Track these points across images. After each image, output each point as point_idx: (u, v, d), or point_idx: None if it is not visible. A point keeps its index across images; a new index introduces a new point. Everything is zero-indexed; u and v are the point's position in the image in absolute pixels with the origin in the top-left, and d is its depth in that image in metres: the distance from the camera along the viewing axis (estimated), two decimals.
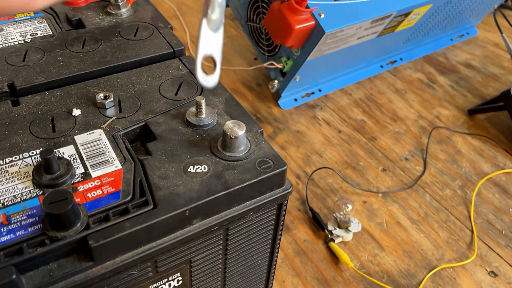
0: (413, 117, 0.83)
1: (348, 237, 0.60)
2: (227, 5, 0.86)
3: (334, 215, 0.62)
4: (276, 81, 0.80)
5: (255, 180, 0.35)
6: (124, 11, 0.52)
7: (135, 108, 0.40)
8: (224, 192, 0.34)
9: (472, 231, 0.64)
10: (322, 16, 0.65)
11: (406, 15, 0.75)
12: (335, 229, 0.61)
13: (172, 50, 0.47)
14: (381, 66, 0.93)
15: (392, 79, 0.92)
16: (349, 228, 0.60)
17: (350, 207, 0.60)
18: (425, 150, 0.76)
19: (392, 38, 0.83)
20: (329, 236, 0.60)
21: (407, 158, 0.75)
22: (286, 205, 0.39)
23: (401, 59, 0.95)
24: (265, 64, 0.77)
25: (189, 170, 0.35)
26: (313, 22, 0.65)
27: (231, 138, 0.35)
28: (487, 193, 0.70)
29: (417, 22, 0.82)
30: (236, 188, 0.34)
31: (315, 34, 0.66)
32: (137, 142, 0.40)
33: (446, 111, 0.85)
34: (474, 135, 0.79)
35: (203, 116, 0.39)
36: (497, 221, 0.66)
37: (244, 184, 0.34)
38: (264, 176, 0.35)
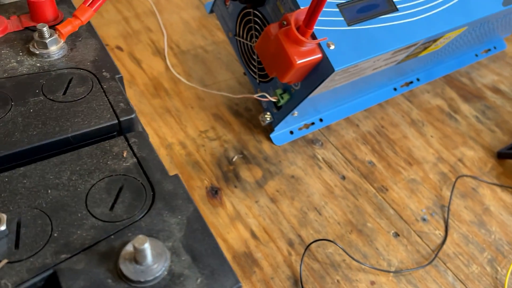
0: (432, 159, 0.69)
1: None
2: (211, 11, 0.70)
3: None
4: (268, 114, 0.65)
5: None
6: (55, 50, 0.36)
7: (42, 240, 0.26)
8: None
9: None
10: (332, 47, 0.50)
11: (435, 40, 0.60)
12: None
13: (117, 121, 0.32)
14: (395, 89, 0.78)
15: (407, 106, 0.77)
16: None
17: None
18: (446, 208, 0.62)
19: (412, 62, 0.68)
20: None
21: (424, 218, 0.61)
22: None
23: (418, 79, 0.80)
24: (255, 96, 0.61)
25: None
26: (319, 56, 0.50)
27: None
28: None
29: (445, 45, 0.66)
30: None
31: (322, 70, 0.51)
32: None
33: (471, 151, 0.71)
34: (505, 188, 0.66)
35: (147, 263, 0.24)
36: None
37: None
38: None
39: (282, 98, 0.59)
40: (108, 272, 0.25)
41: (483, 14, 0.60)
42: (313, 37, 0.50)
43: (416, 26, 0.55)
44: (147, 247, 0.23)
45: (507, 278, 0.55)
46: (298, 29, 0.48)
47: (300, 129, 0.70)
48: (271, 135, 0.68)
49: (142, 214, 0.27)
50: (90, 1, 0.37)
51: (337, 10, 0.52)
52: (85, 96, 0.33)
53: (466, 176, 0.67)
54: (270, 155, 0.67)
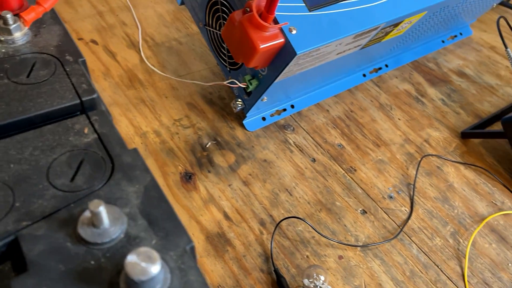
0: (399, 140, 0.71)
1: None
2: (182, 3, 0.71)
3: (304, 281, 0.51)
4: (240, 100, 0.67)
5: None
6: (19, 37, 0.38)
7: (4, 209, 0.27)
8: None
9: None
10: (294, 32, 0.52)
11: (396, 25, 0.62)
12: None
13: (79, 101, 0.34)
14: (364, 75, 0.80)
15: (376, 91, 0.79)
16: None
17: (322, 278, 0.49)
18: (412, 186, 0.65)
19: (378, 47, 0.70)
20: None
21: (391, 196, 0.64)
22: None
23: (386, 66, 0.83)
24: (225, 83, 0.63)
25: None
26: (282, 40, 0.52)
27: (136, 282, 0.23)
28: (483, 242, 0.60)
29: (407, 30, 0.69)
30: None
31: (285, 54, 0.53)
32: (6, 264, 0.27)
33: (436, 132, 0.73)
34: (468, 165, 0.69)
35: (104, 226, 0.26)
36: (494, 281, 0.56)
37: None
38: None
39: (251, 84, 0.61)
40: (67, 236, 0.26)
41: None
42: (276, 22, 0.52)
43: (375, 11, 0.58)
44: (102, 210, 0.25)
45: (468, 248, 0.58)
46: (260, 15, 0.50)
47: (272, 115, 0.72)
48: (244, 122, 0.70)
49: (101, 184, 0.29)
50: None
51: None
52: (48, 79, 0.35)
53: (431, 155, 0.70)
54: (243, 140, 0.69)
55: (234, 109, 0.67)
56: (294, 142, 0.69)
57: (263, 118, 0.71)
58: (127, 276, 0.23)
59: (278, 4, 0.50)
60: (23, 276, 0.24)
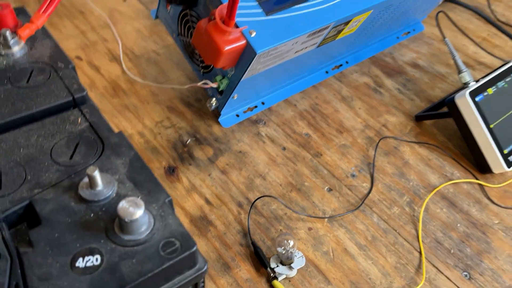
0: (360, 127, 0.80)
1: (292, 273, 0.57)
2: (156, 17, 0.79)
3: (277, 250, 0.58)
4: (214, 99, 0.74)
5: (158, 270, 0.30)
6: (17, 50, 0.45)
7: (18, 182, 0.34)
8: None
9: (420, 253, 0.62)
10: (253, 34, 0.60)
11: (346, 23, 0.71)
12: (277, 266, 0.57)
13: (72, 98, 0.41)
14: (326, 72, 0.89)
15: (338, 85, 0.88)
16: (292, 265, 0.57)
17: (291, 243, 0.56)
18: (372, 164, 0.73)
19: (335, 45, 0.79)
20: (272, 274, 0.56)
21: (354, 174, 0.72)
22: (203, 282, 0.35)
23: (347, 62, 0.91)
24: (198, 84, 0.71)
25: (77, 264, 0.30)
26: (243, 42, 0.60)
27: (126, 222, 0.30)
28: (435, 208, 0.68)
29: (359, 28, 0.77)
30: (134, 283, 0.29)
31: (247, 54, 0.61)
32: (23, 224, 0.34)
33: (393, 118, 0.82)
34: (422, 144, 0.77)
35: (99, 188, 0.33)
36: (445, 239, 0.64)
37: (144, 278, 0.30)
38: (169, 264, 0.30)
39: (221, 83, 0.69)
40: (71, 198, 0.33)
41: None
42: (237, 27, 0.60)
43: (325, 12, 0.66)
44: (96, 173, 0.32)
45: (421, 213, 0.66)
46: (223, 21, 0.58)
47: (245, 112, 0.80)
48: (219, 119, 0.78)
49: (95, 159, 0.36)
50: (43, 9, 0.46)
51: (257, 4, 0.62)
52: (45, 82, 0.42)
53: (389, 137, 0.78)
54: (219, 136, 0.76)
55: (209, 107, 0.75)
56: (266, 134, 0.77)
57: (237, 115, 0.79)
58: (119, 219, 0.30)
59: (240, 11, 0.59)
60: (38, 228, 0.32)
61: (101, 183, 0.33)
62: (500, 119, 0.71)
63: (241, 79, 0.66)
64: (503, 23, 1.08)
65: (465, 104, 0.70)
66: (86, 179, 0.34)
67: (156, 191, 0.34)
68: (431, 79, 0.91)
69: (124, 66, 0.86)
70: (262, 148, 0.75)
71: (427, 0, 0.91)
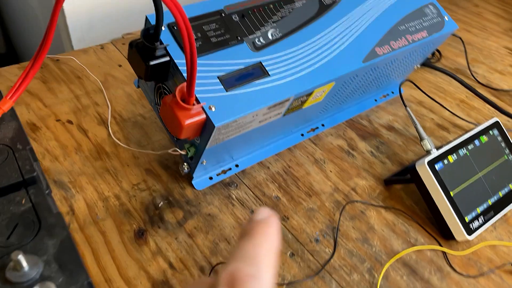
0: (329, 190, 0.82)
1: None
2: (138, 86, 0.85)
3: None
4: (185, 164, 0.78)
5: None
6: None
7: None
8: None
9: None
10: (213, 109, 0.65)
11: (308, 95, 0.75)
12: None
13: (22, 179, 0.46)
14: (302, 135, 0.92)
15: (312, 148, 0.91)
16: None
17: None
18: (336, 229, 0.75)
19: (306, 112, 0.83)
20: None
21: (317, 239, 0.73)
22: None
23: (323, 125, 0.95)
24: (169, 151, 0.76)
25: None
26: (203, 116, 0.65)
27: None
28: (395, 275, 0.68)
29: (326, 97, 0.81)
30: None
31: (208, 127, 0.66)
32: None
33: (363, 181, 0.84)
34: (388, 208, 0.78)
35: (24, 270, 0.37)
36: None
37: None
38: None
39: (189, 150, 0.73)
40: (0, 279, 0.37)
41: (345, 71, 0.76)
42: (198, 102, 0.65)
43: (284, 86, 0.70)
44: (21, 257, 0.36)
45: (379, 281, 0.67)
46: (183, 98, 0.63)
47: (218, 174, 0.84)
48: (193, 182, 0.81)
49: (29, 240, 0.40)
50: (10, 95, 0.52)
51: (218, 81, 0.67)
52: (1, 164, 0.47)
53: (356, 201, 0.80)
54: (191, 198, 0.80)
55: (181, 171, 0.79)
56: (236, 197, 0.80)
57: (210, 178, 0.83)
58: None
59: (202, 88, 0.64)
60: None
61: (26, 265, 0.37)
62: (461, 187, 0.72)
63: (206, 148, 0.70)
64: (484, 85, 1.10)
65: (425, 172, 0.72)
66: (13, 262, 0.37)
67: (77, 273, 0.37)
68: (405, 142, 0.93)
69: (110, 130, 0.92)
70: (231, 212, 0.77)
71: (400, 67, 0.95)
